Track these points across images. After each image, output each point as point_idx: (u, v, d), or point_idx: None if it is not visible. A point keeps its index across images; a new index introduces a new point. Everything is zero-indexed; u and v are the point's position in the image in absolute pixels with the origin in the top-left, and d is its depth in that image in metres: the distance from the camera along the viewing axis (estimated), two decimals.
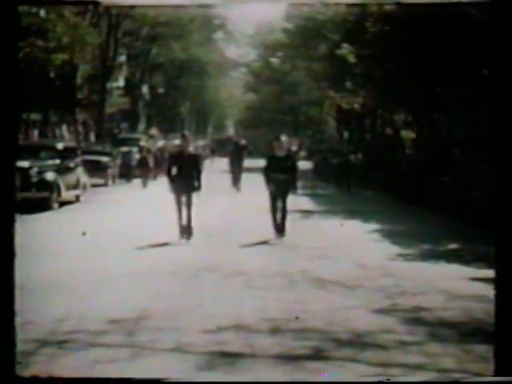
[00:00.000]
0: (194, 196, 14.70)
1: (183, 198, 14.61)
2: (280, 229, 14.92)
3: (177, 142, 33.24)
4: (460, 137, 27.62)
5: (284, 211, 15.01)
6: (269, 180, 15.04)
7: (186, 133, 15.92)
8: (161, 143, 36.85)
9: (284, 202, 15.01)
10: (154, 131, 45.77)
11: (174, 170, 14.77)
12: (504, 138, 5.97)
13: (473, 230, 16.49)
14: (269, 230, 14.95)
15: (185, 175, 14.61)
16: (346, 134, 41.64)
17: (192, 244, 14.30)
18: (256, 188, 21.60)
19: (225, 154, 30.84)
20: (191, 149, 15.90)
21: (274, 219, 15.02)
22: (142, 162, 30.13)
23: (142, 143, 33.32)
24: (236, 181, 25.47)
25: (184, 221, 14.58)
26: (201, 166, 15.41)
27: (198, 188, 14.72)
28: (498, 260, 5.97)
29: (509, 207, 5.95)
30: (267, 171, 15.15)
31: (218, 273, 11.30)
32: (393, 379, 6.45)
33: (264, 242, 14.28)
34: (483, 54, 19.57)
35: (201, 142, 40.52)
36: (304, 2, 23.02)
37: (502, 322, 5.96)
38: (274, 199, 15.04)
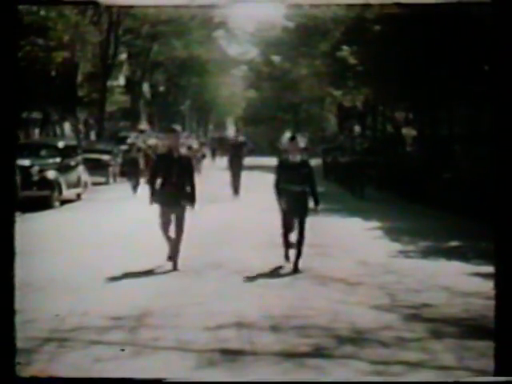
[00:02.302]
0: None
1: (172, 214, 11.42)
2: (294, 259, 11.46)
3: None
4: (461, 134, 27.63)
5: (301, 235, 11.50)
6: (281, 193, 11.60)
7: (176, 127, 12.06)
8: (153, 140, 31.23)
9: (301, 223, 11.54)
10: (143, 126, 44.05)
11: (160, 177, 11.53)
12: (504, 134, 5.97)
13: (474, 226, 16.48)
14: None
15: (174, 183, 11.37)
16: (357, 129, 40.96)
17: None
18: (257, 191, 21.46)
19: (225, 153, 29.72)
20: (183, 149, 12.17)
21: (286, 245, 11.71)
22: (131, 163, 25.60)
23: (131, 140, 29.37)
24: (235, 184, 23.67)
25: (172, 241, 11.45)
26: (193, 170, 11.80)
27: (192, 199, 11.45)
28: (498, 259, 5.97)
29: (509, 203, 5.95)
30: (279, 182, 11.70)
31: (221, 270, 11.33)
32: (393, 379, 6.46)
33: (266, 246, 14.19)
34: (484, 49, 19.58)
35: (194, 141, 36.40)
36: (304, 2, 22.93)
37: (502, 322, 5.96)
38: (287, 218, 11.64)
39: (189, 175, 11.53)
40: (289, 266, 11.47)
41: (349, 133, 41.91)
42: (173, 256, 11.37)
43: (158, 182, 11.50)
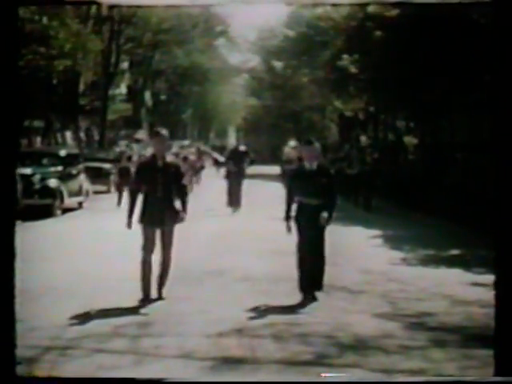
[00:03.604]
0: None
1: (158, 234, 9.54)
2: (315, 285, 9.80)
3: (175, 149, 31.33)
4: (463, 142, 27.62)
5: (321, 257, 9.80)
6: (294, 207, 9.89)
7: (162, 131, 9.72)
8: (150, 149, 30.89)
9: (320, 242, 9.80)
10: (140, 135, 43.21)
11: (143, 190, 9.60)
12: (504, 141, 5.98)
13: (475, 234, 16.47)
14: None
15: (160, 198, 9.40)
16: (363, 139, 40.54)
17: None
18: (259, 200, 21.37)
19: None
20: (170, 157, 10.13)
21: (302, 270, 9.78)
22: (122, 172, 23.59)
23: (120, 149, 27.98)
24: (234, 197, 21.91)
25: (152, 271, 9.58)
26: (184, 181, 9.93)
27: (182, 217, 9.52)
28: (498, 261, 5.98)
29: (509, 211, 5.96)
30: (292, 193, 9.92)
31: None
32: (393, 380, 6.48)
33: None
34: (486, 57, 19.59)
35: (191, 150, 34.90)
36: (305, 3, 22.94)
37: (501, 323, 5.97)
38: (303, 236, 9.78)
39: (177, 187, 9.59)
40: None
41: (355, 142, 41.30)
42: (159, 284, 9.68)
43: (141, 197, 9.64)
